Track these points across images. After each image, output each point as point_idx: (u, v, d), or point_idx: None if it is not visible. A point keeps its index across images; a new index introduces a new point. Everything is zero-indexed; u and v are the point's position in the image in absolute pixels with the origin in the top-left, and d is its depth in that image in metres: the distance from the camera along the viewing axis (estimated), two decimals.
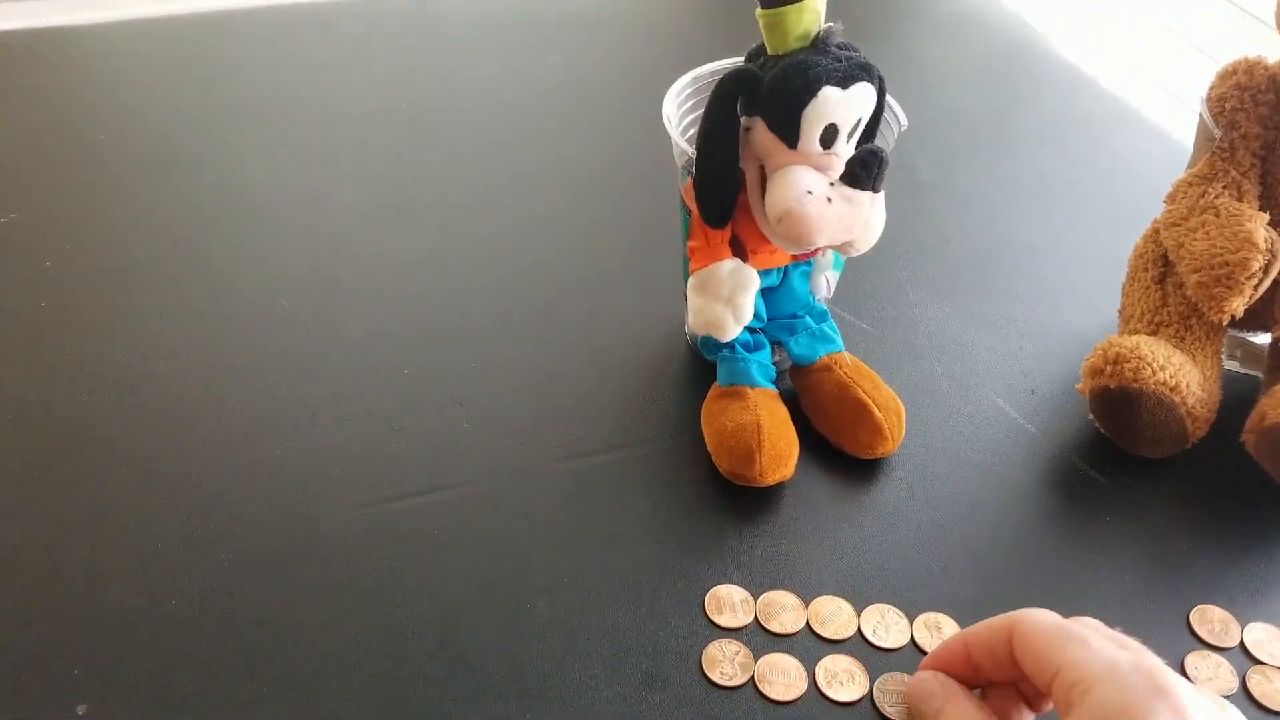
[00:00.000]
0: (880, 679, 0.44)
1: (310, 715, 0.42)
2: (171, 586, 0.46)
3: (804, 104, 0.46)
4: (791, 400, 0.56)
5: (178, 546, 0.48)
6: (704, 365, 0.58)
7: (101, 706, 0.42)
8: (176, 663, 0.43)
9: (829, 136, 0.47)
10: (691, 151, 0.50)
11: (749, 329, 0.54)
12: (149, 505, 0.50)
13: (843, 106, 0.47)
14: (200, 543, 0.48)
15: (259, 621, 0.45)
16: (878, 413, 0.53)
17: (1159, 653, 0.46)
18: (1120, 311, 0.60)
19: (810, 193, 0.47)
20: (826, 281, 0.58)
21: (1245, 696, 0.45)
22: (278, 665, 0.43)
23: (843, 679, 0.44)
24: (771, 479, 0.51)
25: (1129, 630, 0.40)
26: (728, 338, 0.52)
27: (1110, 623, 0.47)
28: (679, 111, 0.55)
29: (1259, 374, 0.59)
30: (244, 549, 0.48)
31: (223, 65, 0.85)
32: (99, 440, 0.53)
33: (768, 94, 0.47)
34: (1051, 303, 0.66)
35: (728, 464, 0.52)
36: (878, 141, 0.52)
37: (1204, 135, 0.57)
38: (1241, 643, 0.47)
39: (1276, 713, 0.44)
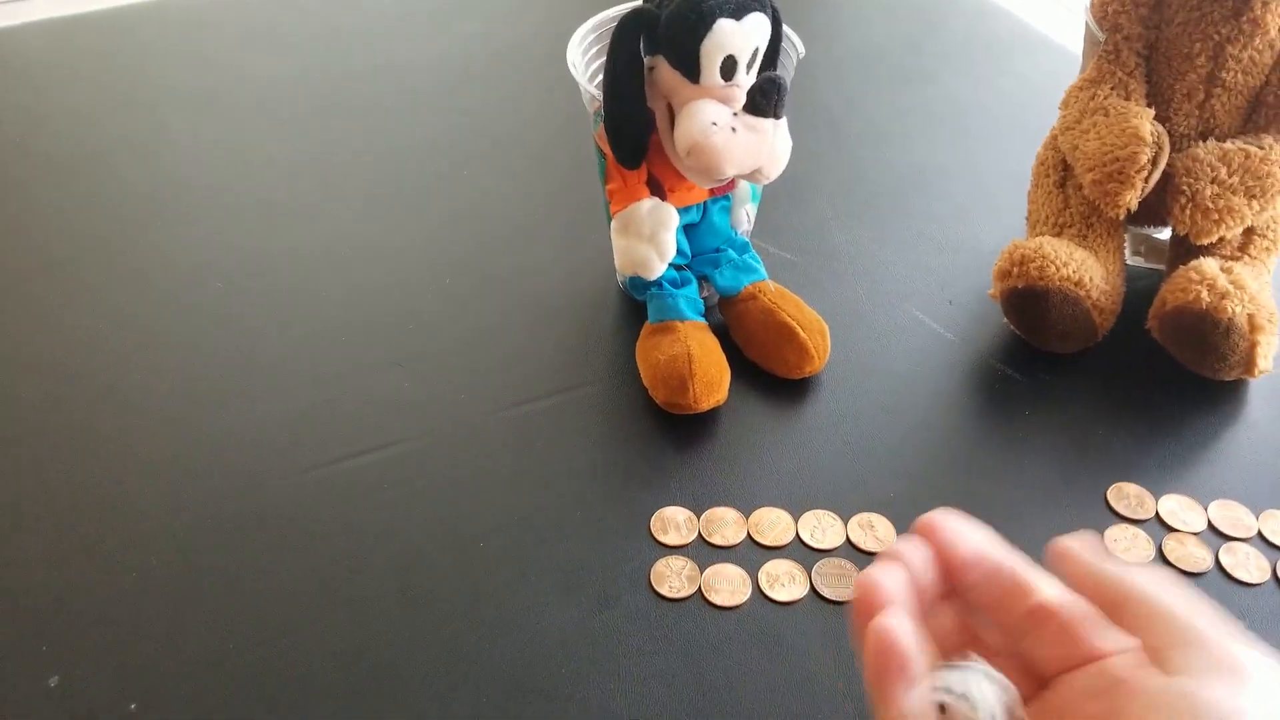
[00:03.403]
0: (816, 565, 0.47)
1: (277, 667, 0.43)
2: (130, 559, 0.47)
3: (700, 37, 0.48)
4: (721, 331, 0.58)
5: (132, 521, 0.49)
6: (636, 306, 0.60)
7: (72, 677, 0.43)
8: (141, 630, 0.44)
9: (728, 68, 0.49)
10: (600, 96, 0.51)
11: (674, 265, 0.56)
12: (99, 484, 0.50)
13: (738, 37, 0.48)
14: (154, 515, 0.49)
15: (220, 585, 0.46)
16: (802, 334, 0.55)
17: (1080, 528, 0.49)
18: (1027, 218, 0.62)
19: (715, 124, 0.49)
20: (746, 214, 0.60)
21: (1162, 561, 0.48)
22: (242, 624, 0.45)
23: (784, 580, 0.46)
24: (706, 405, 0.53)
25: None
26: (653, 275, 0.54)
27: (1033, 505, 0.50)
28: (584, 59, 0.56)
29: (1163, 267, 0.62)
30: (199, 518, 0.49)
31: (127, 62, 0.85)
32: (48, 425, 0.53)
33: (665, 30, 0.49)
34: (966, 220, 0.68)
35: (663, 394, 0.53)
36: (778, 70, 0.53)
37: (1090, 41, 0.59)
38: (1156, 514, 0.50)
39: (1190, 573, 0.47)
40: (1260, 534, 0.49)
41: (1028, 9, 0.94)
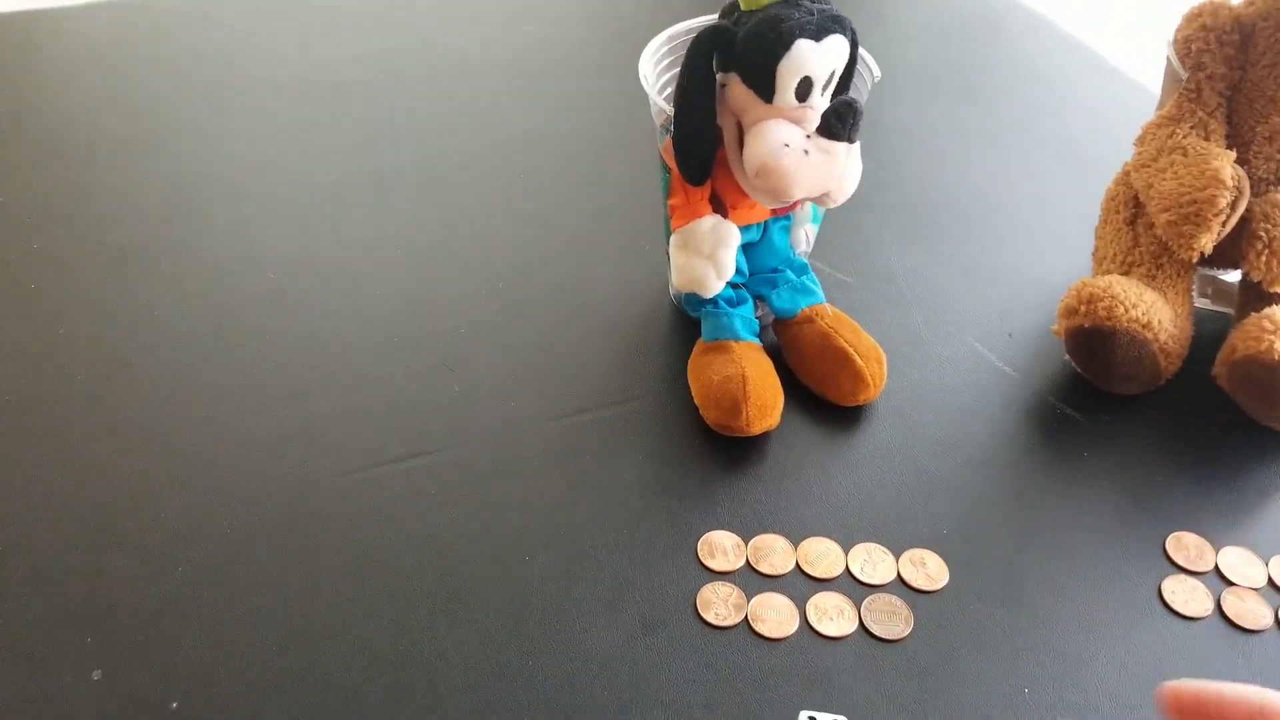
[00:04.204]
0: (866, 601, 0.46)
1: (317, 672, 0.43)
2: (176, 555, 0.47)
3: (778, 58, 0.47)
4: (775, 353, 0.57)
5: (179, 517, 0.49)
6: (689, 322, 0.59)
7: (115, 671, 0.43)
8: (185, 627, 0.44)
9: (804, 89, 0.48)
10: (669, 110, 0.50)
11: (731, 284, 0.56)
12: (147, 478, 0.51)
13: (816, 59, 0.47)
14: (199, 512, 0.49)
15: (263, 585, 0.46)
16: (859, 360, 0.54)
17: (1137, 578, 0.48)
18: (1094, 254, 0.61)
19: (787, 145, 0.48)
20: (806, 235, 0.59)
21: (1220, 617, 0.47)
22: (284, 625, 0.45)
23: (832, 614, 0.45)
24: (758, 429, 0.52)
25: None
26: (710, 293, 0.53)
27: (1088, 551, 0.49)
28: (655, 70, 0.55)
29: (1230, 311, 0.60)
30: (244, 517, 0.49)
31: (195, 46, 0.85)
32: (96, 417, 0.54)
33: (742, 49, 0.48)
34: (1026, 249, 0.67)
35: (715, 415, 0.53)
36: (851, 93, 0.53)
37: (1171, 78, 0.58)
38: (1216, 567, 0.49)
39: (1250, 630, 0.46)
40: None
41: (1093, 35, 0.92)
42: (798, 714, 0.40)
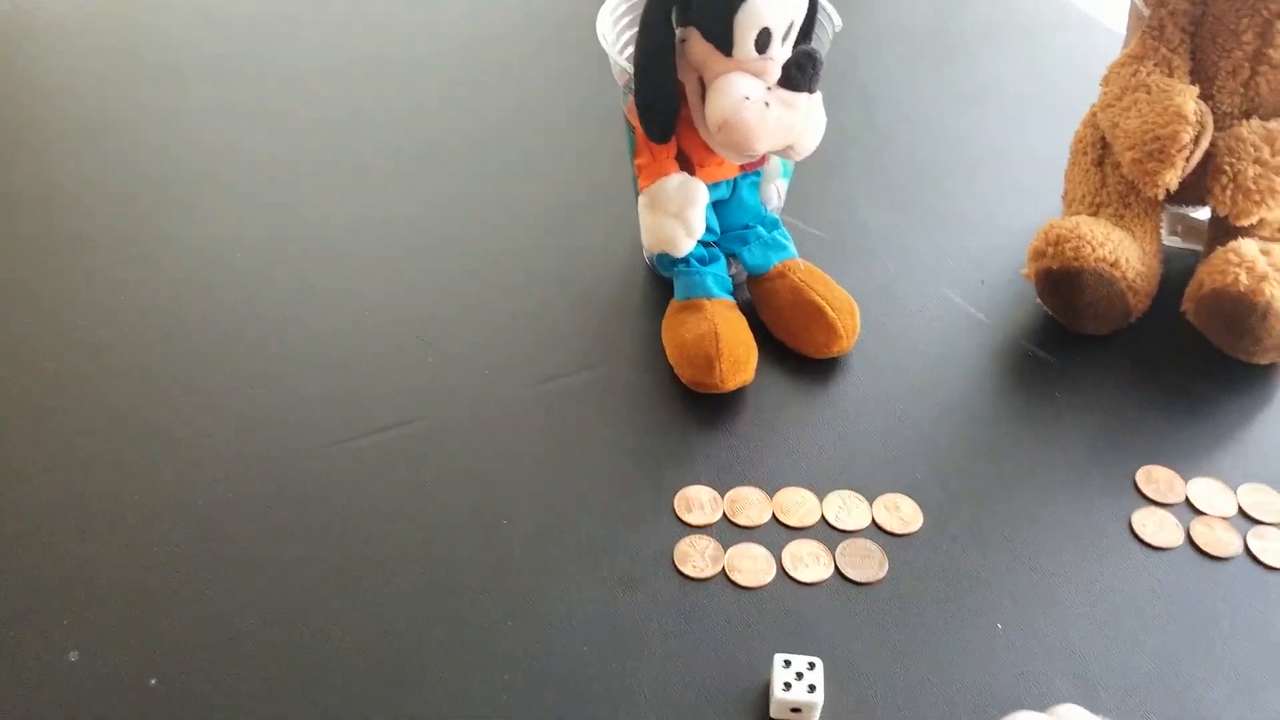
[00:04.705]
0: (841, 546, 0.47)
1: (297, 644, 0.43)
2: (151, 535, 0.47)
3: (735, 9, 0.47)
4: (749, 310, 0.57)
5: (154, 497, 0.49)
6: (664, 284, 0.60)
7: (92, 652, 0.43)
8: (162, 605, 0.45)
9: (763, 41, 0.48)
10: (630, 69, 0.50)
11: (703, 242, 0.56)
12: (121, 460, 0.51)
13: (774, 10, 0.47)
14: (176, 491, 0.49)
15: (241, 562, 0.46)
16: (831, 313, 0.55)
17: (1108, 513, 0.49)
18: (1063, 196, 0.61)
19: (748, 99, 0.48)
20: (777, 190, 0.59)
21: (1190, 546, 0.47)
22: (262, 601, 0.45)
23: (808, 561, 0.46)
24: (732, 384, 0.53)
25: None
26: (681, 252, 0.53)
27: (1060, 488, 0.50)
28: (615, 30, 0.55)
29: (1200, 248, 0.61)
30: (221, 494, 0.49)
31: (160, 26, 0.84)
32: (67, 401, 0.54)
33: (699, 2, 0.48)
34: (1000, 198, 0.67)
35: (689, 373, 0.53)
36: (812, 43, 0.52)
37: (1135, 16, 0.58)
38: (1186, 498, 0.49)
39: (1219, 558, 0.47)
40: None
41: None
42: (773, 658, 0.41)
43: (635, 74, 0.49)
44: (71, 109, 0.75)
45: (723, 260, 0.57)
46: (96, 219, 0.65)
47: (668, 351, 0.55)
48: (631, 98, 0.51)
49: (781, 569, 0.46)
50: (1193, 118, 0.52)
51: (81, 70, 0.79)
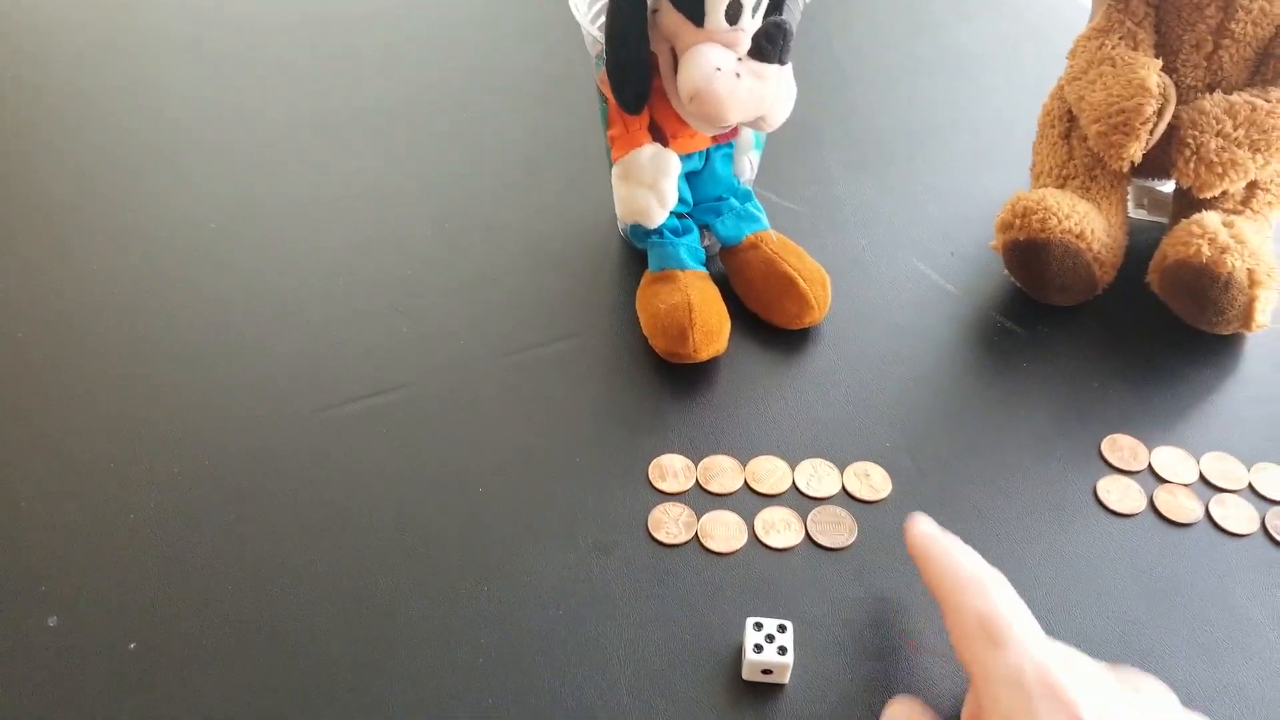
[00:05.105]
0: (812, 513, 0.47)
1: (275, 609, 0.44)
2: (129, 501, 0.48)
3: None
4: (723, 281, 0.58)
5: (131, 463, 0.49)
6: (638, 255, 0.60)
7: (71, 618, 0.43)
8: (140, 571, 0.45)
9: (733, 12, 0.48)
10: (602, 39, 0.50)
11: (676, 214, 0.56)
12: (98, 426, 0.51)
13: None
14: (153, 458, 0.49)
15: (218, 528, 0.47)
16: (803, 284, 0.55)
17: (1073, 480, 0.50)
18: (1031, 169, 0.62)
19: (719, 70, 0.48)
20: (749, 163, 0.60)
21: (1153, 512, 0.48)
22: (240, 566, 0.45)
23: (779, 527, 0.47)
24: (705, 354, 0.53)
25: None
26: (654, 223, 0.54)
27: (1027, 456, 0.50)
28: (587, 0, 0.55)
29: (1165, 220, 0.62)
30: (198, 461, 0.49)
31: (123, 4, 0.83)
32: (40, 374, 0.53)
33: None
34: (970, 171, 0.68)
35: (663, 344, 0.53)
36: (783, 15, 0.53)
37: None
38: (1150, 466, 0.50)
39: (1181, 524, 0.48)
40: (1251, 486, 0.50)
41: None
42: (745, 622, 0.41)
43: (607, 44, 0.49)
44: (32, 80, 0.74)
45: (696, 232, 0.58)
46: (57, 194, 0.65)
47: (642, 322, 0.55)
48: (604, 68, 0.51)
49: (753, 535, 0.46)
50: (1156, 91, 0.53)
51: (40, 42, 0.78)
